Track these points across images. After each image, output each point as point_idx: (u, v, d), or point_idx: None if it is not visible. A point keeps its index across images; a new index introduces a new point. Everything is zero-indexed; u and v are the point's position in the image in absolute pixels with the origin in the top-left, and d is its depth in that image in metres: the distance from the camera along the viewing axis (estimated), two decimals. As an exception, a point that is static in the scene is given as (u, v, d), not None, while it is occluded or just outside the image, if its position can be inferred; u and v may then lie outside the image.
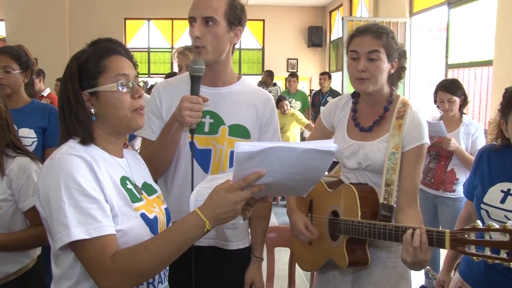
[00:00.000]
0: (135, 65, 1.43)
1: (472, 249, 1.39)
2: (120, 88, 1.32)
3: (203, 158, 1.84)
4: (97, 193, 1.22)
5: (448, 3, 6.10)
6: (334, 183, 2.02)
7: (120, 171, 1.36)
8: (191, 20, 1.78)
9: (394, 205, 1.82)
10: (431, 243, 1.51)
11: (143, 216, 1.32)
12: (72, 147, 1.29)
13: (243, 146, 1.15)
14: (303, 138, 8.08)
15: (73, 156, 1.23)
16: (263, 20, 12.00)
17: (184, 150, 1.84)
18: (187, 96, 1.67)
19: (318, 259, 1.99)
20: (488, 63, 5.19)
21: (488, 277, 1.81)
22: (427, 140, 1.86)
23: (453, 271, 2.10)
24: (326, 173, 1.97)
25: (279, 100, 6.81)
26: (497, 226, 1.36)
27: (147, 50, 11.93)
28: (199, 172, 1.80)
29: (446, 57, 6.19)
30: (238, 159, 1.17)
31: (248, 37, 12.09)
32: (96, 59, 1.33)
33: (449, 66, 6.12)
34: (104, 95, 1.32)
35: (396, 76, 1.94)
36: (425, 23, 11.48)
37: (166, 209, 1.50)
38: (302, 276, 3.95)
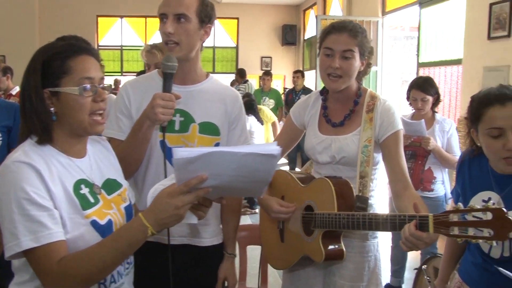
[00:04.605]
0: (101, 65, 1.40)
1: (456, 231, 1.39)
2: (82, 92, 1.29)
3: None
4: (47, 200, 1.22)
5: (419, 3, 6.20)
6: (307, 179, 2.03)
7: (77, 174, 1.35)
8: (162, 16, 1.77)
9: (369, 197, 1.85)
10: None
11: (94, 223, 1.32)
12: (25, 152, 1.27)
13: (181, 152, 1.17)
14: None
15: (22, 164, 1.23)
16: (237, 18, 11.98)
17: (155, 149, 1.84)
18: (159, 93, 1.67)
19: (292, 256, 1.98)
20: (458, 61, 5.29)
21: (484, 278, 1.73)
22: (401, 127, 1.90)
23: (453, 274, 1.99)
24: (298, 169, 1.97)
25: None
26: (478, 206, 1.36)
27: (120, 48, 11.76)
28: (171, 171, 1.78)
29: (418, 55, 6.30)
30: (177, 165, 1.19)
31: (222, 35, 12.04)
32: (62, 58, 1.30)
33: (420, 65, 6.23)
34: (65, 97, 1.30)
35: (363, 72, 1.98)
36: (397, 22, 11.66)
37: (126, 207, 1.47)
38: (275, 274, 3.94)
